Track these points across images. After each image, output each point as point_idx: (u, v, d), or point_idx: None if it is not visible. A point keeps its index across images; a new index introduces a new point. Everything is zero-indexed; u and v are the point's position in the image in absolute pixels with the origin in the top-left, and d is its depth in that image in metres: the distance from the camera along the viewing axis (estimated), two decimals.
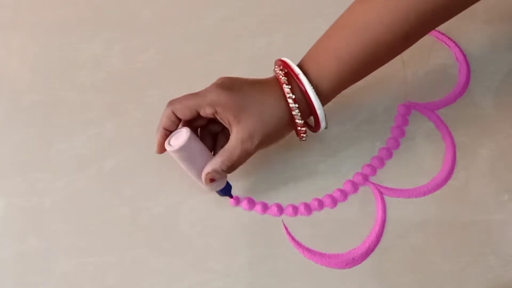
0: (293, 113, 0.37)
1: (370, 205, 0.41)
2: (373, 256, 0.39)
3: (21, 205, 0.42)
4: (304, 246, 0.40)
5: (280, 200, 0.42)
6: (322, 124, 0.39)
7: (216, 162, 0.37)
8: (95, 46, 0.50)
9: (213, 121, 0.39)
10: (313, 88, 0.37)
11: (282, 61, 0.39)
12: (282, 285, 0.38)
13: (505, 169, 0.42)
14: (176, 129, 0.38)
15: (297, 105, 0.37)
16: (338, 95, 0.45)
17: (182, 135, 0.37)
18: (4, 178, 0.43)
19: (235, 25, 0.50)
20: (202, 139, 0.39)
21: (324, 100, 0.38)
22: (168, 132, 0.38)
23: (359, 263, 0.39)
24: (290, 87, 0.37)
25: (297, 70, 0.37)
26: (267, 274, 0.39)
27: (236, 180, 0.42)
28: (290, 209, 0.41)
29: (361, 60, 0.37)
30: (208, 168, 0.38)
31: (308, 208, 0.41)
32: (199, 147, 0.38)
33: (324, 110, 0.38)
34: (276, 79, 0.38)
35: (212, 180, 0.38)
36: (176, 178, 0.43)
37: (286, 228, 0.41)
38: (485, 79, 0.46)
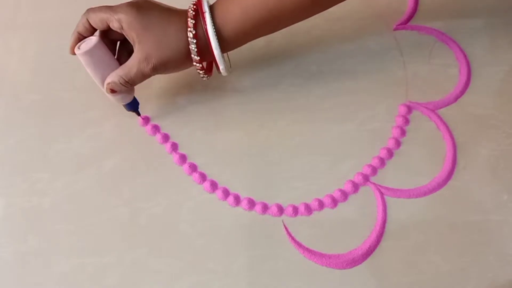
0: (190, 47, 0.38)
1: (370, 205, 0.41)
2: (373, 257, 0.39)
3: (21, 205, 0.42)
4: (304, 247, 0.40)
5: (280, 200, 0.42)
6: (221, 66, 0.40)
7: (115, 75, 0.40)
8: None
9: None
10: (215, 29, 0.38)
11: None
12: (282, 285, 0.38)
13: (505, 169, 0.42)
14: (90, 36, 0.40)
15: (194, 40, 0.38)
16: (338, 95, 0.45)
17: (92, 41, 0.40)
18: (4, 178, 0.43)
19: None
20: (119, 53, 0.42)
21: (225, 45, 0.40)
22: (81, 37, 0.40)
23: (360, 263, 0.39)
24: (194, 22, 0.38)
25: (205, 8, 0.38)
26: (267, 274, 0.39)
27: (236, 180, 0.42)
28: (290, 209, 0.41)
29: (265, 16, 0.39)
30: (108, 79, 0.40)
31: (309, 209, 0.41)
32: (107, 57, 0.40)
33: (228, 55, 0.40)
34: (186, 12, 0.39)
35: (113, 91, 0.40)
36: (176, 178, 0.43)
37: (286, 229, 0.41)
38: (486, 79, 0.46)
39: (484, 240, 0.39)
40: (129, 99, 0.42)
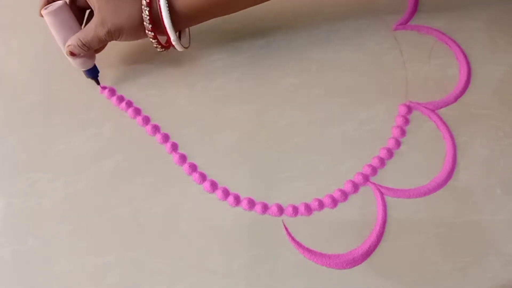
0: (142, 14, 0.40)
1: (370, 205, 0.41)
2: (373, 257, 0.39)
3: (21, 205, 0.42)
4: (304, 247, 0.40)
5: (280, 200, 0.42)
6: (172, 37, 0.41)
7: (75, 37, 0.42)
8: None
9: None
10: (168, 3, 0.40)
11: None
12: (282, 285, 0.38)
13: (505, 169, 0.42)
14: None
15: (148, 8, 0.40)
16: (338, 95, 0.45)
17: (58, 4, 0.42)
18: (4, 178, 0.43)
19: (235, 25, 0.50)
20: (86, 22, 0.45)
21: (178, 19, 0.41)
22: (50, 0, 0.43)
23: (360, 263, 0.39)
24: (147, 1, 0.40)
25: None
26: (267, 274, 0.39)
27: (236, 180, 0.42)
28: (290, 209, 0.41)
29: None
30: (69, 41, 0.42)
31: (309, 208, 0.41)
32: (70, 20, 0.43)
33: (190, 31, 0.43)
34: None
35: (72, 54, 0.43)
36: (176, 178, 0.43)
37: (286, 229, 0.41)
38: (486, 79, 0.46)
39: (484, 240, 0.39)
40: (89, 66, 0.45)
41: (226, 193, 0.42)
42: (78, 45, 0.42)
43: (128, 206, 0.42)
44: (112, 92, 0.47)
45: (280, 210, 0.41)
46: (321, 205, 0.41)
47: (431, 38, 0.48)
